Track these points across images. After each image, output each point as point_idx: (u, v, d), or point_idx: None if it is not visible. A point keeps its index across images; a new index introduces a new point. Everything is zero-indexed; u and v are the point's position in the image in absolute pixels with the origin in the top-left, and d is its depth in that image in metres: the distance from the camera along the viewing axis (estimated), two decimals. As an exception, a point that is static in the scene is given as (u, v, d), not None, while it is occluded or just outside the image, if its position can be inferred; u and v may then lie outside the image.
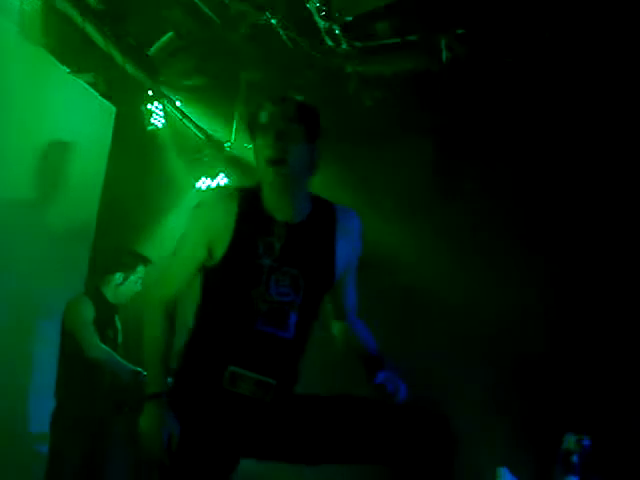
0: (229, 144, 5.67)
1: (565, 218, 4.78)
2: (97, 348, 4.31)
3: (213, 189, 5.64)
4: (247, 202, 2.39)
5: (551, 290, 4.71)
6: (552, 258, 4.73)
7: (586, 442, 3.62)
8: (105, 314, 4.51)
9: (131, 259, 4.61)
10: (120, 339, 4.65)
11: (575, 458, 3.59)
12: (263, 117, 2.33)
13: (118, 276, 4.55)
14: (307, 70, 5.17)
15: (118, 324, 4.67)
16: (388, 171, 5.21)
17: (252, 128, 2.38)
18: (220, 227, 2.34)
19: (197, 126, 5.65)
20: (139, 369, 4.20)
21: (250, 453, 2.43)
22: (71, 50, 4.96)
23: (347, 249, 2.45)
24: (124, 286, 4.56)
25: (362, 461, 2.36)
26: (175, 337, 2.44)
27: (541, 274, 4.74)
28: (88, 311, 4.40)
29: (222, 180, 5.67)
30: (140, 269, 4.57)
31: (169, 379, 2.40)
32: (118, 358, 4.34)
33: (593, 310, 4.55)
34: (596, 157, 4.65)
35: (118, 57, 4.94)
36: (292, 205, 2.39)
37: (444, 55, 4.62)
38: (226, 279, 2.36)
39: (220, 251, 2.34)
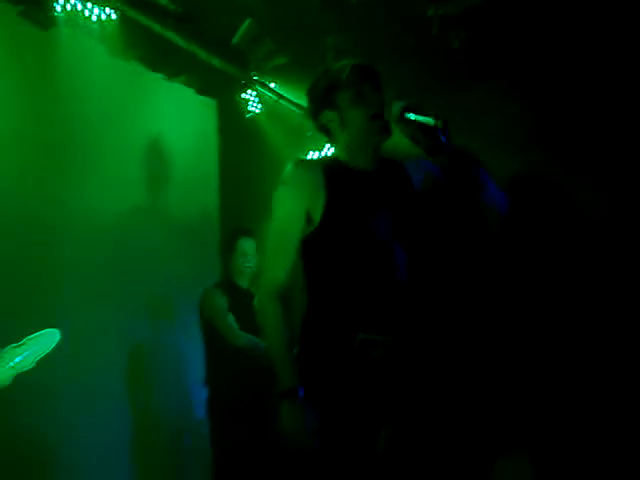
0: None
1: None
2: (240, 336, 4.43)
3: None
4: (328, 161, 2.57)
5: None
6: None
7: None
8: (240, 301, 4.59)
9: (230, 235, 4.73)
10: None
11: None
12: (362, 75, 2.51)
13: (230, 257, 4.67)
14: (389, 22, 5.07)
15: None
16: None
17: (350, 85, 2.50)
18: (312, 190, 2.43)
19: (294, 103, 5.69)
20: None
21: (390, 420, 2.41)
22: (159, 56, 5.12)
23: (416, 169, 2.57)
24: (237, 263, 4.64)
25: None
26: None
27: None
28: (221, 300, 4.54)
29: (330, 150, 5.69)
30: (242, 241, 4.64)
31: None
32: (260, 342, 4.39)
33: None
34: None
35: (203, 54, 5.06)
36: (373, 157, 2.54)
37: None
38: (334, 237, 2.41)
39: (318, 213, 2.40)
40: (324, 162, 2.57)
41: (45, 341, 3.25)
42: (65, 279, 4.50)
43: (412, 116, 2.33)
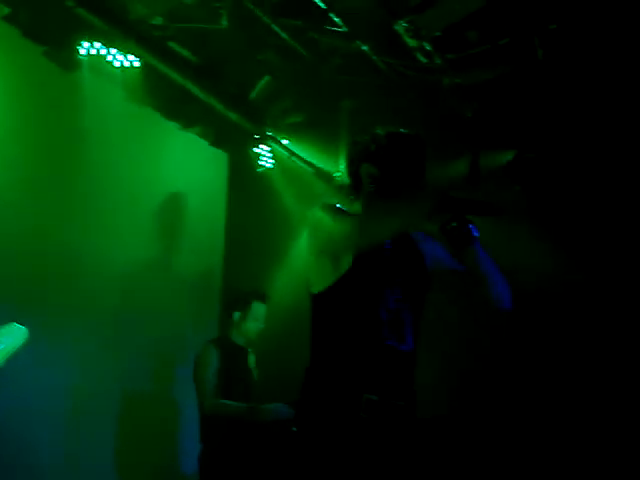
0: (339, 174, 5.73)
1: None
2: (209, 405, 4.41)
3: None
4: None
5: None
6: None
7: None
8: (234, 358, 4.60)
9: (244, 297, 4.70)
10: (255, 377, 4.77)
11: None
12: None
13: (236, 315, 4.65)
14: (404, 90, 5.16)
15: (251, 363, 4.77)
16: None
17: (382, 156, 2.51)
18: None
19: (306, 161, 5.75)
20: (253, 404, 4.32)
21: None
22: (176, 107, 5.19)
23: (429, 249, 2.60)
24: (244, 324, 4.65)
25: None
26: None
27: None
28: (211, 359, 4.52)
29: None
30: (256, 305, 4.65)
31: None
32: (229, 403, 4.39)
33: None
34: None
35: (220, 107, 5.14)
36: None
37: (539, 53, 4.49)
38: (350, 297, 2.40)
39: (348, 261, 2.39)
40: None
41: (10, 334, 3.16)
42: (71, 322, 4.52)
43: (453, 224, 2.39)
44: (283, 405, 4.29)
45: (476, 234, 2.42)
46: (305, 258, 2.55)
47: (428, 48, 4.78)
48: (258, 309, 4.67)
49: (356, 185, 2.59)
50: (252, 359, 4.80)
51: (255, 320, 4.66)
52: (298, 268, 5.65)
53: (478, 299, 2.55)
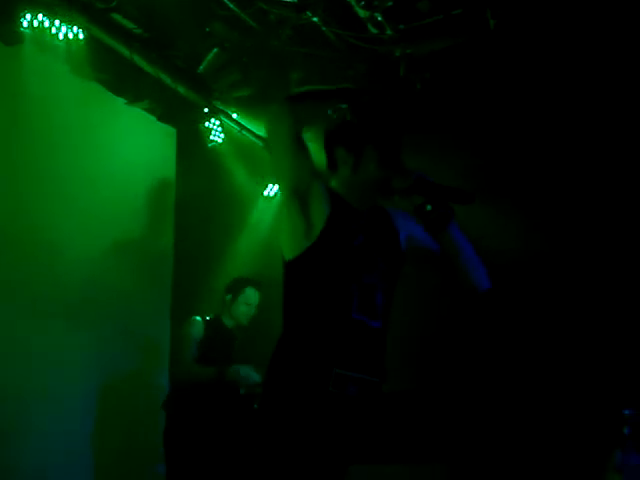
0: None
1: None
2: (182, 372, 4.56)
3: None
4: (334, 191, 2.51)
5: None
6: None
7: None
8: (217, 337, 4.65)
9: (239, 281, 4.79)
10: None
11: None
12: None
13: (228, 297, 4.74)
14: (355, 61, 5.12)
15: (233, 348, 4.77)
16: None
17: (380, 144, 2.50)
18: (325, 194, 2.43)
19: (256, 135, 5.67)
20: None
21: (359, 458, 2.38)
22: (123, 81, 5.05)
23: (404, 226, 2.58)
24: (234, 307, 4.71)
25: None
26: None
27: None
28: (194, 330, 4.60)
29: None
30: (249, 290, 4.72)
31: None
32: (200, 368, 4.44)
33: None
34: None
35: (168, 80, 5.02)
36: (368, 203, 2.55)
37: (491, 23, 4.49)
38: (324, 257, 2.37)
39: (319, 226, 2.38)
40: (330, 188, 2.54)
41: None
42: (36, 306, 4.48)
43: (424, 190, 2.38)
44: (251, 367, 4.34)
45: (452, 218, 2.42)
46: (276, 225, 2.53)
47: (379, 19, 4.74)
48: (250, 294, 4.74)
49: (332, 165, 2.58)
50: (234, 345, 4.80)
51: (246, 304, 4.72)
52: (252, 242, 5.63)
53: (454, 283, 2.55)
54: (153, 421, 4.95)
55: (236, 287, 4.76)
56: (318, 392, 2.28)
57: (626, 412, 3.36)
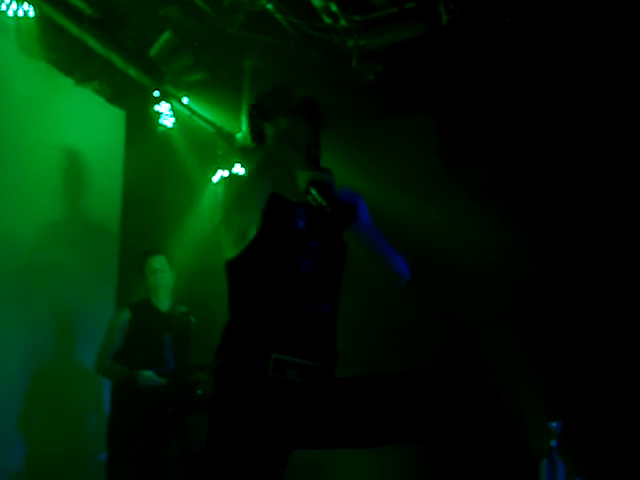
0: (240, 134, 5.65)
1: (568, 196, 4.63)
2: (96, 366, 4.56)
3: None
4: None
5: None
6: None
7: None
8: (146, 323, 4.60)
9: (139, 258, 4.76)
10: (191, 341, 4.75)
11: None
12: (297, 102, 2.48)
13: (142, 278, 4.69)
14: (308, 50, 5.13)
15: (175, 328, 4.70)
16: (393, 149, 5.11)
17: (280, 110, 2.47)
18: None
19: (207, 121, 5.64)
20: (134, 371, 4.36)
21: (302, 443, 2.40)
22: (73, 61, 5.00)
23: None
24: (146, 283, 4.67)
25: (411, 439, 2.36)
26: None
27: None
28: (119, 319, 4.59)
29: (240, 170, 5.65)
30: (148, 260, 4.67)
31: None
32: (114, 367, 4.47)
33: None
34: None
35: (119, 62, 4.96)
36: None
37: (444, 19, 4.55)
38: (261, 255, 2.38)
39: (255, 228, 2.37)
40: None
41: None
42: None
43: (315, 197, 2.25)
44: (153, 373, 4.34)
45: (353, 218, 2.34)
46: (212, 223, 2.52)
47: (334, 9, 4.78)
48: (151, 262, 4.68)
49: (257, 139, 2.56)
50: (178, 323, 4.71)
51: (151, 273, 4.65)
52: (200, 227, 5.60)
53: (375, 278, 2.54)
54: (95, 406, 4.93)
55: (139, 264, 4.72)
56: (258, 377, 2.31)
57: (553, 425, 3.50)
